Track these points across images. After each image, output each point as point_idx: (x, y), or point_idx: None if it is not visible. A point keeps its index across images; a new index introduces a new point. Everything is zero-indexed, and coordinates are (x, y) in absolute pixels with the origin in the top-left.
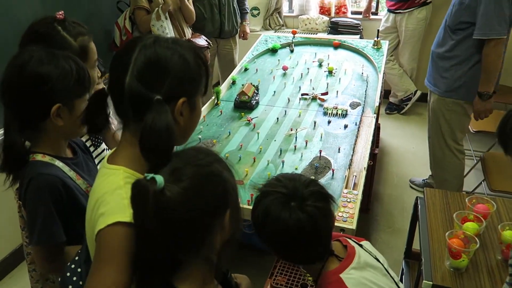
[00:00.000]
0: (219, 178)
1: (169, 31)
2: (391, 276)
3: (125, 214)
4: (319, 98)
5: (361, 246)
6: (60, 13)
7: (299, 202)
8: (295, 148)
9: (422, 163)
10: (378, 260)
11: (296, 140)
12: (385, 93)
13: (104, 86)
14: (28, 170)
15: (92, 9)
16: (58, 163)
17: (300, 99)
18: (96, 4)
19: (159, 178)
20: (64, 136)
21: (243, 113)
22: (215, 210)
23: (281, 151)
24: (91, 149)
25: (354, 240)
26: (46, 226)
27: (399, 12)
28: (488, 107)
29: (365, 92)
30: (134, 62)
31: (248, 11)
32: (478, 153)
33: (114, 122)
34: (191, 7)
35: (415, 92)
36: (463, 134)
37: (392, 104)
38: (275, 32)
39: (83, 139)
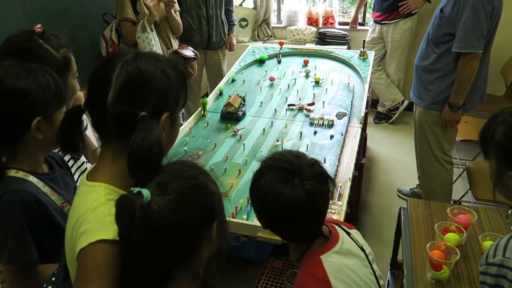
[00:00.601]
0: (205, 191)
1: (155, 43)
2: (373, 269)
3: (108, 232)
4: (306, 109)
5: (348, 234)
6: (38, 26)
7: (302, 180)
8: None
9: (409, 172)
10: (363, 251)
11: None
12: (373, 103)
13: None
14: (1, 186)
15: (78, 21)
16: (32, 179)
17: (286, 109)
18: (82, 16)
19: (146, 192)
20: (42, 150)
21: (229, 124)
22: (203, 223)
23: None
24: (71, 162)
25: (342, 227)
26: (17, 244)
27: (385, 23)
28: (457, 118)
29: (351, 102)
30: (116, 79)
31: (236, 23)
32: (465, 161)
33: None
34: (178, 18)
35: (403, 101)
36: (451, 145)
37: (380, 114)
38: (263, 43)
39: (62, 153)
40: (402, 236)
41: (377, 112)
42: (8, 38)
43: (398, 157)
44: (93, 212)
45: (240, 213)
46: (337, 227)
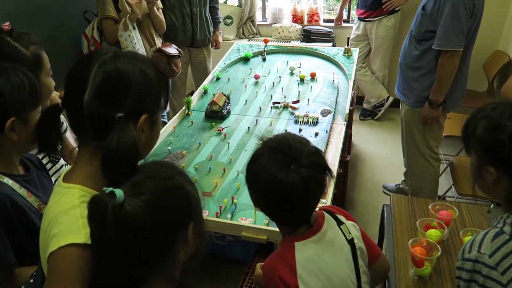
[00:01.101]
0: (181, 191)
1: (138, 41)
2: (357, 264)
3: (80, 235)
4: (290, 107)
5: (341, 224)
6: (6, 24)
7: (298, 167)
8: None
9: (395, 168)
10: (353, 244)
11: None
12: (359, 100)
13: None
14: None
15: (58, 20)
16: (7, 181)
17: (271, 107)
18: (62, 14)
19: (119, 192)
20: (17, 151)
21: (214, 123)
22: (178, 224)
23: None
24: (49, 165)
25: (338, 216)
26: None
27: (369, 20)
28: (436, 115)
29: (336, 99)
30: (93, 79)
31: (221, 20)
32: (448, 157)
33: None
34: (161, 16)
35: (388, 98)
36: (437, 142)
37: (366, 110)
38: (248, 40)
39: (40, 155)
40: (385, 229)
41: (363, 109)
42: None
43: (383, 154)
44: (66, 215)
45: (224, 212)
46: (328, 217)
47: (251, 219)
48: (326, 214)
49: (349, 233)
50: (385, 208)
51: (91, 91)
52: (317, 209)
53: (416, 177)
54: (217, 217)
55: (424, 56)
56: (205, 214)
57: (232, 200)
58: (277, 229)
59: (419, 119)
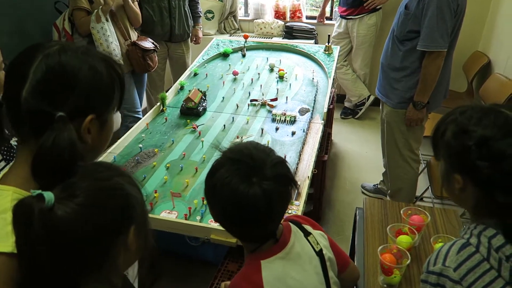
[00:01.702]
0: (120, 192)
1: (111, 34)
2: (327, 276)
3: (7, 243)
4: (268, 104)
5: (308, 235)
6: None
7: (261, 179)
8: None
9: (374, 167)
10: (321, 256)
11: None
12: (340, 98)
13: None
14: None
15: (27, 9)
16: None
17: (249, 105)
18: (32, 3)
19: (48, 195)
20: None
21: (189, 120)
22: (116, 227)
23: None
24: (2, 163)
25: (305, 226)
26: None
27: (351, 18)
28: (420, 116)
29: (315, 98)
30: (33, 73)
31: (201, 14)
32: (427, 157)
33: None
34: (136, 8)
35: (369, 97)
36: (419, 144)
37: (347, 109)
38: (230, 36)
39: None
40: (356, 233)
41: (344, 108)
42: None
43: (363, 153)
44: None
45: (194, 214)
46: (295, 228)
47: None
48: (292, 226)
49: (317, 243)
50: (357, 212)
51: (30, 85)
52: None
53: (395, 178)
54: (186, 219)
55: (407, 56)
56: (174, 216)
57: (203, 201)
58: None
59: (401, 120)
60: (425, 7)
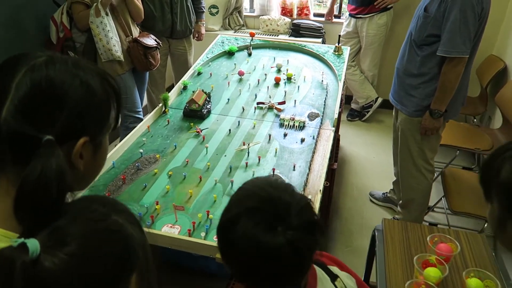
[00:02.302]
0: (118, 235)
1: (111, 29)
2: None
3: None
4: (276, 108)
5: (335, 278)
6: None
7: (286, 228)
8: (246, 165)
9: (382, 174)
10: None
11: (248, 155)
12: (347, 99)
13: None
14: None
15: (23, 1)
16: None
17: (255, 108)
18: None
19: (33, 244)
20: None
21: (192, 123)
22: (115, 278)
23: (231, 168)
24: None
25: (331, 268)
26: None
27: (360, 17)
28: (437, 125)
29: (325, 102)
30: (15, 89)
31: (204, 10)
32: (440, 164)
33: None
34: (138, 3)
35: (376, 99)
36: (434, 153)
37: (353, 111)
38: (234, 32)
39: None
40: (376, 259)
41: (351, 109)
42: None
43: (371, 158)
44: None
45: (198, 229)
46: (320, 272)
47: None
48: (317, 270)
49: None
50: (376, 233)
51: (12, 104)
52: None
53: (408, 189)
54: (189, 234)
55: (425, 62)
56: (176, 231)
57: (207, 215)
58: None
59: (417, 129)
60: (447, 10)
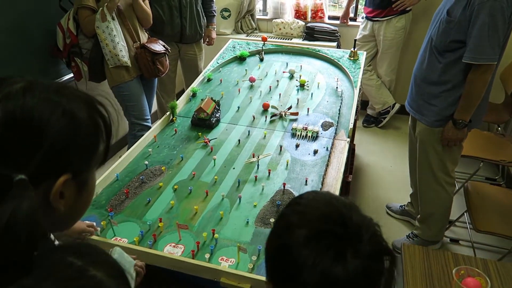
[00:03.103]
0: None
1: (118, 34)
2: None
3: None
4: (291, 113)
5: None
6: None
7: (356, 254)
8: (255, 179)
9: (400, 185)
10: None
11: (258, 168)
12: (363, 104)
13: None
14: None
15: (29, 7)
16: None
17: (266, 117)
18: (34, 1)
19: None
20: None
21: (200, 133)
22: None
23: (239, 182)
24: None
25: None
26: None
27: (377, 20)
28: (460, 136)
29: (339, 110)
30: None
31: (215, 14)
32: (462, 174)
33: None
34: (147, 8)
35: (394, 105)
36: (455, 165)
37: (369, 117)
38: (247, 36)
39: None
40: None
41: (367, 115)
42: None
43: (387, 167)
44: None
45: (202, 249)
46: None
47: (234, 260)
48: None
49: None
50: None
51: None
52: None
53: (427, 202)
54: (193, 256)
55: (448, 69)
56: (180, 251)
57: (213, 234)
58: (263, 277)
59: (437, 139)
60: (474, 14)
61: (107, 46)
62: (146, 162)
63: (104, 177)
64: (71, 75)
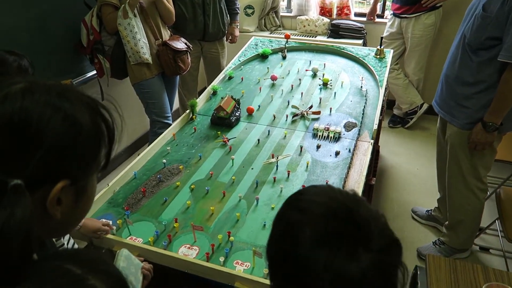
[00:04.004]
0: None
1: (139, 30)
2: None
3: None
4: (314, 112)
5: None
6: None
7: (368, 250)
8: (274, 180)
9: (426, 188)
10: None
11: (277, 169)
12: (389, 104)
13: None
14: None
15: (53, 4)
16: None
17: (287, 116)
18: None
19: None
20: None
21: (219, 132)
22: None
23: (257, 183)
24: None
25: None
26: None
27: (405, 17)
28: (490, 140)
29: (363, 110)
30: None
31: (239, 11)
32: (495, 179)
33: None
34: (170, 5)
35: (422, 105)
36: (487, 171)
37: (396, 117)
38: (270, 33)
39: None
40: None
41: (393, 115)
42: None
43: (414, 170)
44: None
45: (217, 252)
46: None
47: (249, 264)
48: None
49: None
50: (418, 273)
51: None
52: None
53: (456, 209)
54: (207, 259)
55: (482, 68)
56: (195, 253)
57: (228, 236)
58: None
59: (468, 143)
60: None
61: (128, 43)
62: (164, 161)
63: (122, 175)
64: (95, 72)
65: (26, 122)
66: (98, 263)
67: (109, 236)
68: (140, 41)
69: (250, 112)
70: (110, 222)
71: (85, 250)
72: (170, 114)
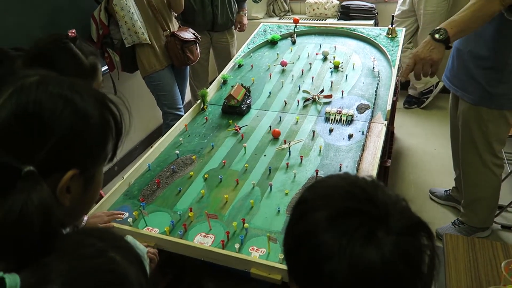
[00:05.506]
0: (110, 276)
1: (135, 11)
2: None
3: None
4: (325, 96)
5: None
6: (73, 31)
7: (388, 233)
8: (287, 166)
9: (444, 169)
10: None
11: (289, 155)
12: (404, 85)
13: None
14: None
15: (63, 1)
16: None
17: (298, 101)
18: None
19: (12, 279)
20: None
21: (231, 121)
22: None
23: (270, 170)
24: None
25: None
26: None
27: None
28: (435, 57)
29: (376, 91)
30: None
31: None
32: (510, 155)
33: None
34: None
35: (437, 83)
36: (503, 145)
37: (411, 97)
38: (279, 19)
39: None
40: (435, 286)
41: (408, 96)
42: (38, 40)
43: (431, 150)
44: None
45: (232, 239)
46: None
47: (264, 250)
48: None
49: None
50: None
51: None
52: None
53: (474, 187)
54: (223, 246)
55: (497, 41)
56: (210, 241)
57: (243, 223)
58: None
59: (483, 120)
60: None
61: (126, 24)
62: (177, 152)
63: (136, 167)
64: (106, 67)
65: (39, 112)
66: (117, 240)
67: (126, 227)
68: (137, 21)
69: (276, 135)
70: (125, 212)
71: (107, 229)
72: (181, 106)
